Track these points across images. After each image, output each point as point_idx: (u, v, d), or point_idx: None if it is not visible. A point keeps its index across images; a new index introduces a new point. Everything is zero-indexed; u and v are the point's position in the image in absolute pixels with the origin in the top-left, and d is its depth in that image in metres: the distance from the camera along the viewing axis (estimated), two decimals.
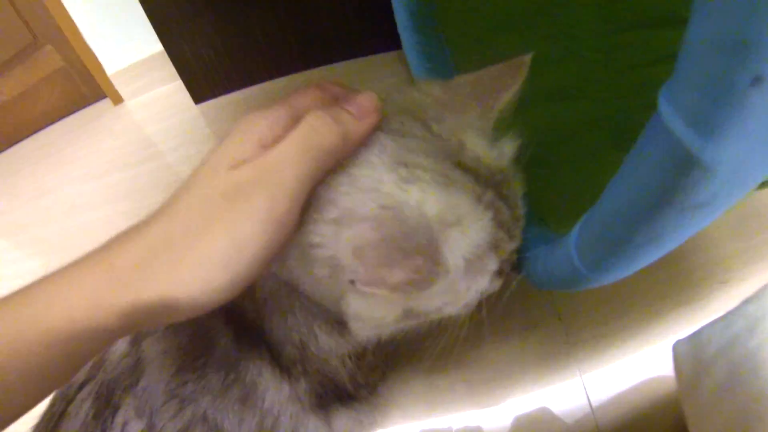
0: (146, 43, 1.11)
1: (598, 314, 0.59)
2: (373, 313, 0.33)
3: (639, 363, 0.56)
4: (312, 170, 0.26)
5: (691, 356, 0.39)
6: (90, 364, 0.41)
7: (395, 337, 0.40)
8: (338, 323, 0.38)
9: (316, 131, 0.26)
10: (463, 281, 0.31)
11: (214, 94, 1.07)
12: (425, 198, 0.28)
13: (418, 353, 0.57)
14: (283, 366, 0.41)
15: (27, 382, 0.24)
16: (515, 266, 0.39)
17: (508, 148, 0.33)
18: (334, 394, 0.46)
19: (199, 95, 1.07)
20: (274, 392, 0.41)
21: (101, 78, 1.20)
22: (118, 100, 1.22)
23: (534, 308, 0.61)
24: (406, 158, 0.29)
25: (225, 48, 0.99)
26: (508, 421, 0.54)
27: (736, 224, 0.63)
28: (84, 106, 1.24)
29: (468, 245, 0.29)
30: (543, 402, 0.55)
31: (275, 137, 0.26)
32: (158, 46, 1.02)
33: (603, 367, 0.56)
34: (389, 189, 0.28)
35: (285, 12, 0.93)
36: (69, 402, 0.40)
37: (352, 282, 0.28)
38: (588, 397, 0.54)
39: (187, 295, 0.24)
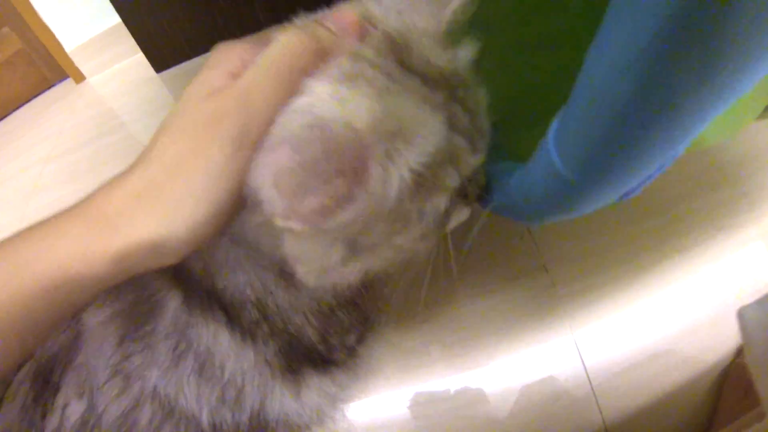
0: (103, 16, 1.07)
1: (586, 265, 0.55)
2: (313, 253, 0.29)
3: (633, 316, 0.52)
4: (283, 92, 0.25)
5: (761, 321, 0.37)
6: None
7: (361, 288, 0.36)
8: (291, 275, 0.35)
9: (287, 50, 0.25)
10: (414, 200, 0.27)
11: (176, 61, 1.02)
12: (359, 109, 0.25)
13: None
14: (245, 329, 0.36)
15: (21, 333, 0.25)
16: (484, 196, 0.34)
17: (464, 52, 0.29)
18: (306, 357, 0.43)
19: (160, 64, 1.02)
20: (236, 359, 0.37)
21: (61, 57, 1.15)
22: (79, 78, 1.17)
23: (516, 258, 0.56)
24: (349, 69, 0.26)
25: (185, 13, 0.94)
26: (492, 384, 0.50)
27: (730, 168, 0.59)
28: (47, 89, 1.20)
29: (414, 155, 0.25)
30: (530, 362, 0.51)
31: (246, 63, 0.26)
32: (116, 19, 0.97)
33: (594, 321, 0.52)
34: (322, 105, 0.25)
35: None
36: (7, 385, 0.37)
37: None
38: (581, 355, 0.50)
39: (172, 233, 0.25)
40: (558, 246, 0.57)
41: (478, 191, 0.33)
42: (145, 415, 0.35)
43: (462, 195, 0.32)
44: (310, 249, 0.29)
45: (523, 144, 0.38)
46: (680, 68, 0.18)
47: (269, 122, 0.25)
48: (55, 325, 0.26)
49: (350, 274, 0.33)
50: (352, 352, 0.48)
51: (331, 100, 0.25)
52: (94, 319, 0.35)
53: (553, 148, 0.23)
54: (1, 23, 1.10)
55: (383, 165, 0.25)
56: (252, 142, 0.25)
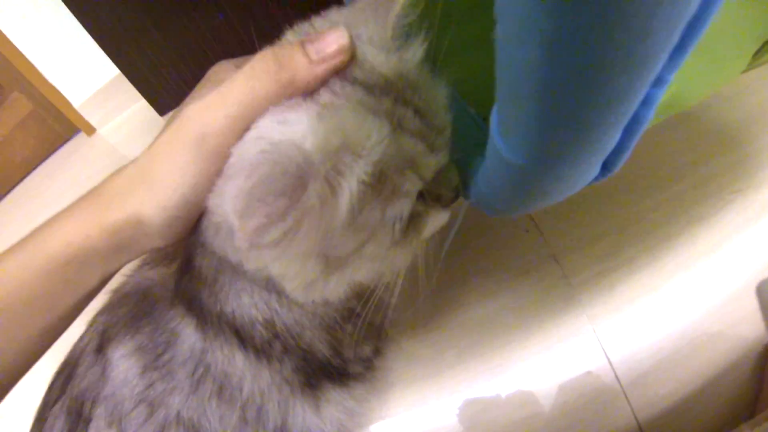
0: (104, 69, 1.11)
1: (597, 250, 0.53)
2: (292, 269, 0.30)
3: (652, 299, 0.49)
4: (240, 113, 0.27)
5: None
6: (60, 380, 0.39)
7: (359, 300, 0.37)
8: (286, 293, 0.35)
9: (254, 76, 0.27)
10: (373, 209, 0.28)
11: (177, 103, 1.05)
12: (303, 130, 0.26)
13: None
14: (259, 349, 0.38)
15: (32, 312, 0.29)
16: (463, 193, 0.34)
17: (412, 53, 0.29)
18: (323, 372, 0.43)
19: (163, 107, 1.06)
20: (253, 379, 0.38)
21: (71, 113, 1.20)
22: (90, 130, 1.22)
23: (524, 253, 0.55)
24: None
25: (178, 56, 0.97)
26: (510, 387, 0.49)
27: (732, 131, 0.56)
28: (61, 145, 1.25)
29: (362, 165, 0.26)
30: (548, 361, 0.49)
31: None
32: (116, 70, 1.01)
33: (612, 309, 0.49)
34: (271, 132, 0.27)
35: (229, 8, 0.90)
36: (43, 421, 0.38)
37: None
38: (603, 347, 0.48)
39: (155, 209, 0.29)
40: (566, 234, 0.55)
41: (452, 193, 0.32)
42: None
43: (435, 198, 0.32)
44: (288, 265, 0.30)
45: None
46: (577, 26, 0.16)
47: (225, 135, 0.27)
48: (66, 306, 0.30)
49: (337, 286, 0.33)
50: (369, 365, 0.48)
51: (278, 125, 0.27)
52: (117, 353, 0.37)
53: (497, 136, 0.23)
54: (11, 88, 1.16)
55: (330, 180, 0.26)
56: (207, 150, 0.27)
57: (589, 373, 0.48)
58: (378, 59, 0.29)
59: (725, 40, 0.30)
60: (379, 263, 0.32)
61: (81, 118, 1.21)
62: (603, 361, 0.48)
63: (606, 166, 0.26)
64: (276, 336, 0.38)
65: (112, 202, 0.29)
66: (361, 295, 0.37)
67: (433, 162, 0.29)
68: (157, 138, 0.30)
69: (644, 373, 0.48)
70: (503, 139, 0.23)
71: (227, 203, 0.26)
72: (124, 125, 1.15)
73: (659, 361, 0.48)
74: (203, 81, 0.32)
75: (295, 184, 0.25)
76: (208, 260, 0.35)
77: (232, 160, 0.28)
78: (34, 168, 1.24)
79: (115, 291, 0.39)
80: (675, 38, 0.17)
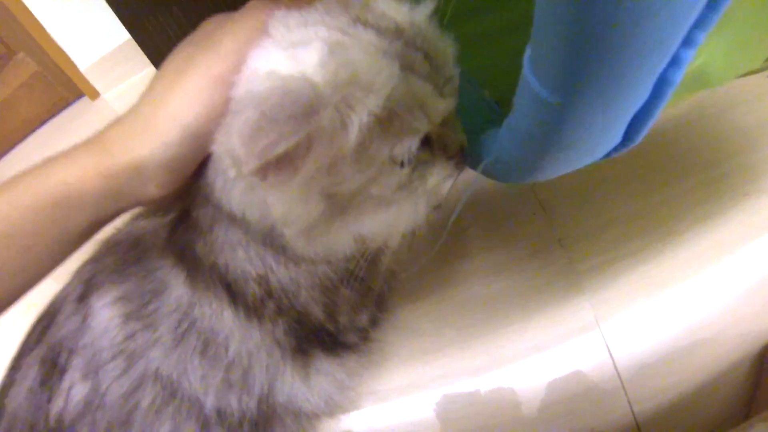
0: (114, 34, 1.09)
1: (605, 237, 0.52)
2: (294, 209, 0.30)
3: (658, 292, 0.48)
4: (248, 37, 0.29)
5: None
6: (39, 328, 0.38)
7: (360, 260, 0.35)
8: (285, 249, 0.34)
9: (260, 6, 0.30)
10: (381, 144, 0.28)
11: None
12: (313, 64, 0.27)
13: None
14: (250, 306, 0.36)
15: (10, 248, 0.28)
16: (474, 159, 0.34)
17: (422, 7, 0.31)
18: (317, 339, 0.41)
19: None
20: (241, 339, 0.36)
21: (76, 76, 1.19)
22: (94, 95, 1.20)
23: (531, 235, 0.54)
24: (300, 33, 0.29)
25: (192, 26, 0.95)
26: (510, 379, 0.47)
27: (749, 133, 0.55)
28: (63, 108, 1.23)
29: (372, 99, 0.27)
30: (550, 345, 0.47)
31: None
32: (126, 36, 0.99)
33: (617, 298, 0.48)
34: (280, 66, 0.28)
35: None
36: (16, 370, 0.36)
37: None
38: (604, 337, 0.47)
39: (153, 154, 0.29)
40: (574, 220, 0.54)
41: (458, 143, 0.33)
42: (146, 396, 0.34)
43: (441, 148, 0.32)
44: (291, 204, 0.30)
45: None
46: None
47: (232, 60, 0.29)
48: (53, 246, 0.29)
49: (339, 235, 0.32)
50: (365, 335, 0.47)
51: (288, 61, 0.28)
52: (100, 301, 0.35)
53: (530, 75, 0.22)
54: (17, 48, 1.15)
55: (341, 110, 0.27)
56: (215, 74, 0.28)
57: (588, 362, 0.47)
58: (390, 5, 0.30)
59: (747, 17, 0.30)
60: (384, 212, 0.32)
61: (86, 82, 1.19)
62: (603, 351, 0.47)
63: (628, 135, 0.26)
64: (269, 294, 0.36)
65: (112, 146, 0.29)
66: (362, 256, 0.35)
67: (441, 105, 0.30)
68: (154, 81, 0.30)
69: (644, 366, 0.47)
70: (537, 76, 0.22)
71: (234, 135, 0.26)
72: (129, 92, 1.14)
73: (660, 355, 0.47)
74: (197, 34, 0.32)
75: (305, 110, 0.25)
76: (207, 210, 0.34)
77: (239, 94, 0.28)
78: (36, 129, 1.22)
79: (106, 241, 0.38)
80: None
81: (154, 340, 0.34)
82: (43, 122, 1.23)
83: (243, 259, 0.35)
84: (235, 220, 0.33)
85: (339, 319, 0.41)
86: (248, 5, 0.31)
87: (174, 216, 0.36)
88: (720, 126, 0.57)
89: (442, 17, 0.31)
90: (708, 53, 0.30)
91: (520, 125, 0.26)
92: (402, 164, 0.30)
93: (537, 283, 0.51)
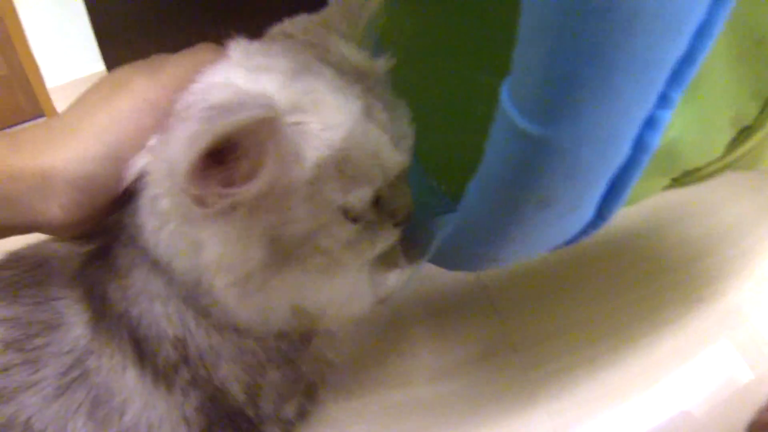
0: (89, 62, 1.08)
1: (560, 343, 0.50)
2: (231, 251, 0.27)
3: (616, 401, 0.47)
4: (190, 71, 0.29)
5: None
6: None
7: (296, 341, 0.32)
8: (210, 313, 0.30)
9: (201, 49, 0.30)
10: (335, 188, 0.27)
11: None
12: (276, 87, 0.26)
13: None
14: (160, 370, 0.30)
15: None
16: (418, 251, 0.33)
17: (382, 61, 0.31)
18: (231, 423, 0.35)
19: None
20: (143, 406, 0.30)
21: (41, 92, 1.14)
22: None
23: (481, 338, 0.52)
24: (262, 59, 0.28)
25: None
26: None
27: (700, 242, 0.59)
28: (19, 122, 1.16)
29: (332, 135, 0.26)
30: None
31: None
32: (100, 67, 0.97)
33: (573, 407, 0.46)
34: (244, 81, 0.27)
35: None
36: None
37: (186, 194, 0.24)
38: None
39: (65, 165, 0.26)
40: (527, 325, 0.53)
41: (406, 211, 0.32)
42: None
43: (390, 214, 0.31)
44: (228, 245, 0.27)
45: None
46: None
47: (169, 88, 0.28)
48: None
49: (277, 295, 0.29)
50: (288, 429, 0.40)
51: (247, 80, 0.27)
52: None
53: (509, 105, 0.20)
54: None
55: (297, 136, 0.25)
56: (152, 99, 0.27)
57: None
58: (350, 51, 0.30)
59: (715, 90, 0.31)
60: (327, 278, 0.29)
61: (50, 101, 1.15)
62: None
63: (600, 211, 0.25)
64: (185, 360, 0.31)
65: (24, 145, 0.27)
66: (297, 333, 0.32)
67: (397, 159, 0.29)
68: (87, 94, 0.29)
69: None
70: (517, 105, 0.20)
71: (178, 140, 0.24)
72: None
73: None
74: (139, 62, 0.31)
75: (261, 123, 0.23)
76: (129, 251, 0.30)
77: (188, 102, 0.27)
78: None
79: (9, 253, 0.33)
80: (681, 42, 0.18)
81: (33, 383, 0.28)
82: None
83: (160, 315, 0.30)
84: (158, 268, 0.29)
85: (261, 404, 0.35)
86: (197, 46, 0.30)
87: (93, 248, 0.31)
88: (671, 236, 0.60)
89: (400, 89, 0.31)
90: (679, 128, 0.30)
91: (492, 171, 0.23)
92: (354, 219, 0.29)
93: (489, 389, 0.48)
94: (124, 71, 0.29)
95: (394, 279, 0.33)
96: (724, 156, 0.36)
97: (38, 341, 0.29)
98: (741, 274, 0.55)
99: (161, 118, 0.28)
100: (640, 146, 0.21)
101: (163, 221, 0.27)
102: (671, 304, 0.53)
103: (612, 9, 0.15)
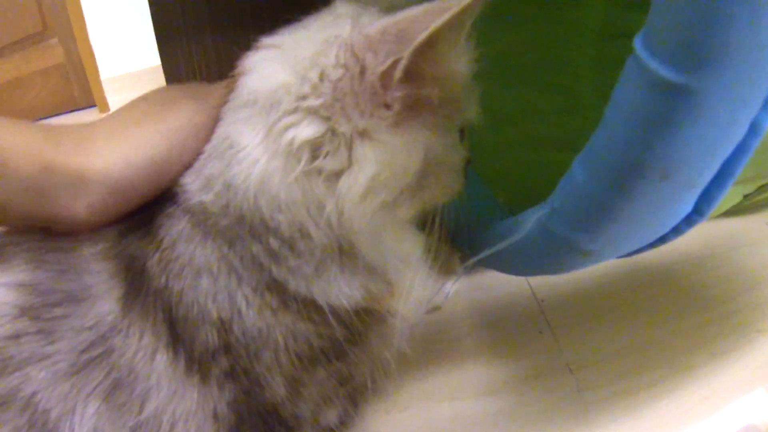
0: (145, 56, 1.10)
1: (616, 367, 0.48)
2: (396, 161, 0.27)
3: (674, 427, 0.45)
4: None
5: None
6: None
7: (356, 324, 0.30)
8: (276, 286, 0.28)
9: None
10: (464, 103, 0.30)
11: None
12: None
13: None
14: (195, 357, 0.28)
15: None
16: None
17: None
18: (264, 423, 0.31)
19: None
20: (168, 396, 0.27)
21: (95, 83, 1.17)
22: (105, 108, 1.18)
23: (534, 355, 0.50)
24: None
25: (220, 72, 0.96)
26: None
27: (756, 272, 0.58)
28: (71, 110, 1.20)
29: (464, 63, 0.28)
30: None
31: None
32: (155, 61, 0.99)
33: None
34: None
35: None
36: None
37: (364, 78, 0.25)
38: None
39: (105, 164, 0.26)
40: (583, 344, 0.50)
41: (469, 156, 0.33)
42: (4, 426, 0.25)
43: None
44: (392, 157, 0.27)
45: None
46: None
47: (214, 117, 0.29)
48: None
49: (408, 211, 0.30)
50: None
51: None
52: (3, 278, 0.27)
53: (647, 54, 0.19)
54: (53, 33, 1.13)
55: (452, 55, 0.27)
56: (199, 125, 0.29)
57: None
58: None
59: None
60: (446, 181, 0.31)
61: (102, 92, 1.17)
62: None
63: (698, 206, 0.25)
64: (226, 348, 0.28)
65: (66, 141, 0.27)
66: (363, 321, 0.30)
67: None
68: (136, 103, 0.30)
69: None
70: (656, 53, 0.18)
71: (360, 34, 0.26)
72: None
73: None
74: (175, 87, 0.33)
75: (440, 38, 0.24)
76: (176, 219, 0.28)
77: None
78: (35, 120, 1.17)
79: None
80: None
81: (45, 355, 0.26)
82: (45, 116, 1.18)
83: (206, 292, 0.28)
84: (218, 236, 0.28)
85: (300, 404, 0.32)
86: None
87: (129, 223, 0.30)
88: (727, 265, 0.59)
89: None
90: None
91: (616, 134, 0.22)
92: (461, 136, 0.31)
93: (541, 408, 0.45)
94: (173, 91, 0.31)
95: (450, 285, 0.33)
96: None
97: (57, 311, 0.26)
98: None
99: (204, 142, 0.29)
100: (753, 128, 0.21)
101: (286, 158, 0.26)
102: (729, 334, 0.51)
103: None
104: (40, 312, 0.26)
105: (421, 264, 0.32)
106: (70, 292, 0.27)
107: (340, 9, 0.30)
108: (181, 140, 0.28)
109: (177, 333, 0.28)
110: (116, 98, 1.17)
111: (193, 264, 0.28)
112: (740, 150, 0.21)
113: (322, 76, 0.26)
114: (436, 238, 0.32)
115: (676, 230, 0.26)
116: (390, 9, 0.27)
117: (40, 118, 1.17)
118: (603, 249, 0.27)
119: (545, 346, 0.50)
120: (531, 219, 0.29)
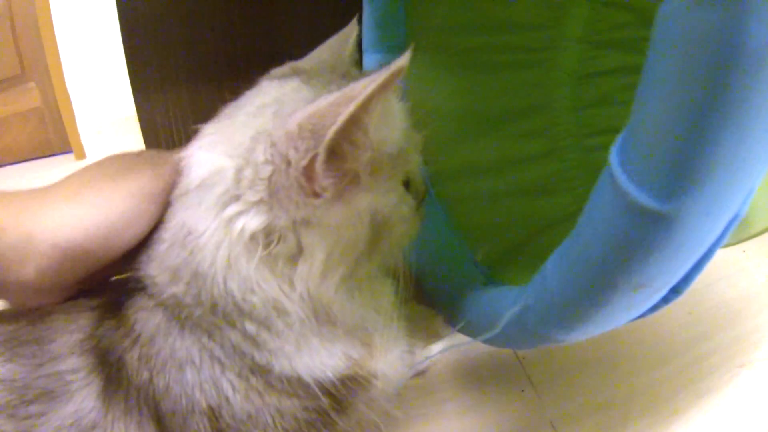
0: (123, 104, 1.10)
1: (600, 420, 0.48)
2: (339, 241, 0.28)
3: None
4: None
5: None
6: None
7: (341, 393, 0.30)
8: (260, 370, 0.28)
9: None
10: (402, 159, 0.30)
11: None
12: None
13: None
14: None
15: None
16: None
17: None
18: None
19: None
20: None
21: (72, 129, 1.16)
22: (81, 156, 1.17)
23: (517, 414, 0.49)
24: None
25: (196, 121, 0.96)
26: None
27: (736, 305, 0.58)
28: (46, 155, 1.19)
29: (399, 119, 0.30)
30: None
31: None
32: (131, 111, 1.00)
33: None
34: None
35: None
36: None
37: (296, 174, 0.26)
38: None
39: (57, 227, 0.26)
40: (566, 400, 0.49)
41: (424, 192, 0.35)
42: None
43: (415, 196, 0.33)
44: (338, 234, 0.28)
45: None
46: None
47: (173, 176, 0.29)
48: None
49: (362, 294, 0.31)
50: None
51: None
52: None
53: (623, 176, 0.17)
54: (31, 77, 1.13)
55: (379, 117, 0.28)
56: (155, 193, 0.28)
57: None
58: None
59: None
60: (399, 231, 0.31)
61: (78, 139, 1.17)
62: None
63: (678, 287, 0.24)
64: None
65: (13, 205, 0.26)
66: (347, 388, 0.30)
67: (419, 141, 0.33)
68: (87, 169, 0.29)
69: None
70: (634, 176, 0.17)
71: (282, 128, 0.26)
72: None
73: None
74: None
75: (363, 113, 0.25)
76: (150, 312, 0.28)
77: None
78: (10, 164, 1.16)
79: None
80: None
81: None
82: (22, 160, 1.17)
83: (192, 383, 0.28)
84: (196, 329, 0.27)
85: None
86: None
87: (102, 302, 0.30)
88: (706, 301, 0.59)
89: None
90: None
91: (591, 251, 0.21)
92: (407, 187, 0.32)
93: None
94: (129, 157, 0.30)
95: (437, 348, 0.33)
96: None
97: (34, 408, 0.26)
98: None
99: (161, 209, 0.29)
100: (733, 221, 0.19)
101: (244, 247, 0.27)
102: (712, 373, 0.51)
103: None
104: (17, 410, 0.25)
105: (396, 310, 0.33)
106: (47, 388, 0.26)
107: (264, 95, 0.31)
108: (136, 204, 0.27)
109: (165, 426, 0.27)
110: (93, 146, 1.17)
111: (175, 358, 0.27)
112: (720, 239, 0.20)
113: (255, 173, 0.27)
114: (404, 281, 0.33)
115: (654, 308, 0.26)
116: (311, 76, 0.30)
117: (17, 162, 1.16)
118: (578, 338, 0.27)
119: (528, 404, 0.49)
120: (505, 315, 0.29)
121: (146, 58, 0.87)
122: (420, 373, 0.32)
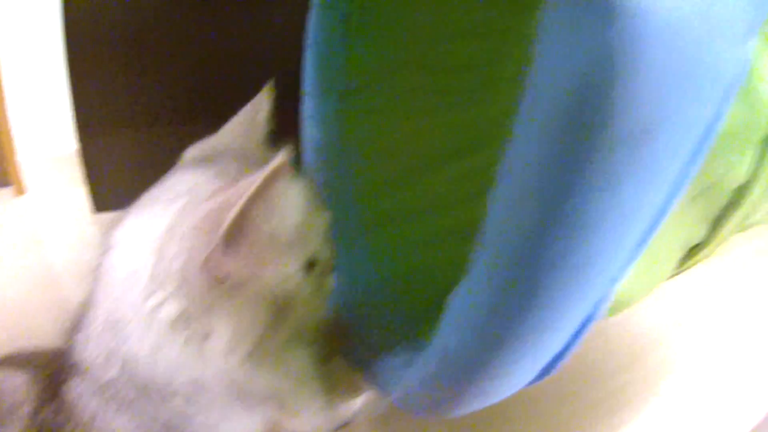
0: (66, 141, 1.07)
1: None
2: (243, 321, 0.31)
3: None
4: None
5: None
6: None
7: None
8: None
9: None
10: (303, 241, 0.33)
11: (114, 207, 1.00)
12: None
13: None
14: None
15: None
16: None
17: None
18: None
19: (100, 204, 0.99)
20: None
21: (11, 163, 1.11)
22: (20, 191, 1.12)
23: None
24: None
25: (141, 164, 0.95)
26: None
27: (650, 333, 0.61)
28: None
29: (298, 203, 0.33)
30: None
31: None
32: (73, 148, 0.98)
33: None
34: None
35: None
36: None
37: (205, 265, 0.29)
38: None
39: None
40: None
41: (331, 265, 0.38)
42: None
43: (321, 272, 0.36)
44: (241, 316, 0.30)
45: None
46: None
47: None
48: None
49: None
50: None
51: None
52: None
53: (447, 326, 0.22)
54: None
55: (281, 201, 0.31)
56: None
57: None
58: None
59: (661, 242, 0.33)
60: (304, 307, 0.34)
61: (17, 174, 1.12)
62: None
63: (546, 369, 0.27)
64: None
65: None
66: None
67: (325, 219, 0.36)
68: None
69: None
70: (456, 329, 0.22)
71: (182, 238, 0.29)
72: (56, 205, 1.09)
73: None
74: None
75: (260, 196, 0.28)
76: (91, 399, 0.32)
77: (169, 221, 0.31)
78: None
79: None
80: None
81: None
82: None
83: None
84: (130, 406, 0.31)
85: None
86: None
87: (43, 386, 0.33)
88: (621, 333, 0.61)
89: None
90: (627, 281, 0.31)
91: (431, 373, 0.26)
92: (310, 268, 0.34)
93: None
94: None
95: (360, 402, 0.38)
96: (672, 275, 0.38)
97: None
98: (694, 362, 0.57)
99: None
100: (601, 301, 0.23)
101: (165, 333, 0.30)
102: (627, 403, 0.53)
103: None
104: None
105: (309, 372, 0.36)
106: None
107: (180, 184, 0.34)
108: None
109: None
110: (33, 181, 1.13)
111: None
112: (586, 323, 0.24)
113: (169, 266, 0.30)
114: (322, 342, 0.37)
115: (534, 380, 0.28)
116: (225, 164, 0.34)
117: None
118: (470, 406, 0.30)
119: None
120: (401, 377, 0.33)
121: (91, 96, 0.87)
122: (343, 426, 0.36)
